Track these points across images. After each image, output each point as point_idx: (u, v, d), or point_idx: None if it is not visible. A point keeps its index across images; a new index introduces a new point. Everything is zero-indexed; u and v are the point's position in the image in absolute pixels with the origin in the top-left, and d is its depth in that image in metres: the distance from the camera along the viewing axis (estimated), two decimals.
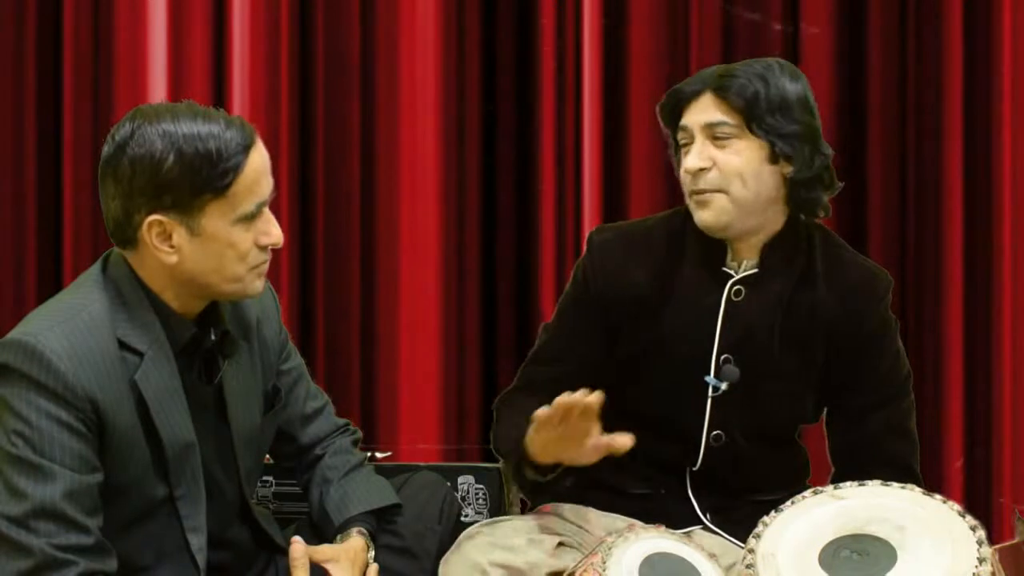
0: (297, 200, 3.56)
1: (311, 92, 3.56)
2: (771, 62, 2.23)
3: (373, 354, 3.57)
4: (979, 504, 3.39)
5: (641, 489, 2.28)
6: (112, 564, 1.97)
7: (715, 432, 2.27)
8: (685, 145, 2.23)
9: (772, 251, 2.24)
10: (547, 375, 2.31)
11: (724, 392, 2.24)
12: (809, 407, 2.32)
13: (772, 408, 2.27)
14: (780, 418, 2.30)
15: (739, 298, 2.25)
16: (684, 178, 2.23)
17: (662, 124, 2.30)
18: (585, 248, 2.36)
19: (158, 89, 3.54)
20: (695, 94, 2.21)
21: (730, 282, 2.25)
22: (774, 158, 2.19)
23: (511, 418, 2.25)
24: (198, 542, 2.08)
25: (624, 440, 2.05)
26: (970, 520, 1.96)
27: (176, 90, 3.54)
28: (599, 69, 3.49)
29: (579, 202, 3.52)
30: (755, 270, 2.25)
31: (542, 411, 2.04)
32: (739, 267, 2.26)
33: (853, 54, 3.48)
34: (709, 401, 2.26)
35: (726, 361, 2.24)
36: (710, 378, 2.24)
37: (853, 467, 2.22)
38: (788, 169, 2.20)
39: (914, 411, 2.34)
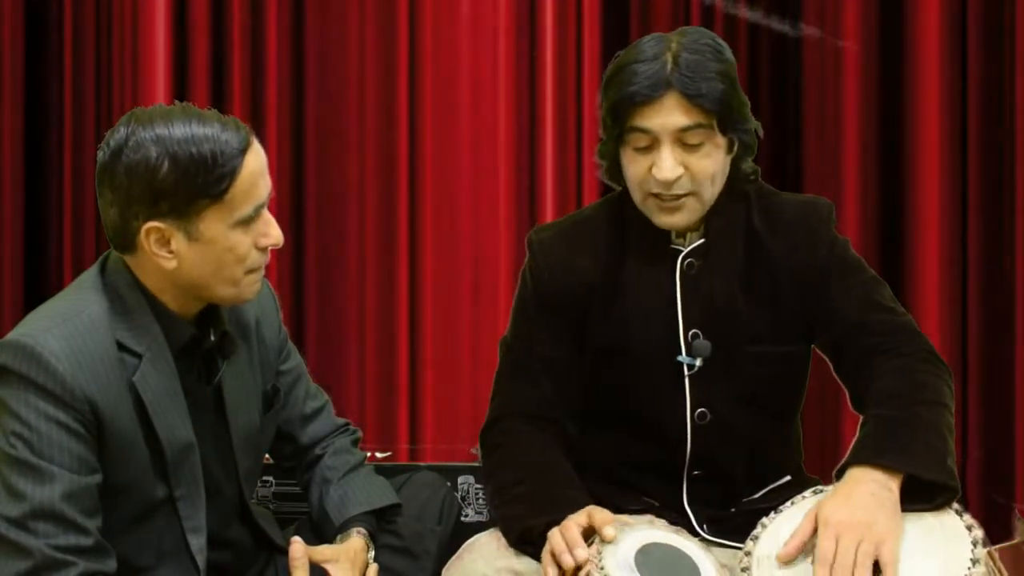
0: (293, 198, 3.58)
1: (329, 90, 3.58)
2: (711, 43, 2.16)
3: (381, 355, 3.59)
4: (979, 504, 3.40)
5: (637, 505, 2.23)
6: (111, 565, 1.97)
7: (699, 410, 2.23)
8: (645, 148, 2.15)
9: (714, 218, 2.23)
10: (526, 392, 2.28)
11: (701, 368, 2.21)
12: (794, 360, 2.27)
13: (754, 372, 2.23)
14: (765, 381, 2.25)
15: (693, 271, 2.23)
16: (645, 181, 2.16)
17: (606, 124, 2.19)
18: (527, 251, 2.33)
19: (162, 87, 3.55)
20: (656, 97, 2.12)
21: (681, 256, 2.23)
22: (730, 148, 2.19)
23: (516, 472, 2.20)
24: (198, 542, 2.08)
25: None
26: (967, 519, 1.95)
27: (179, 82, 3.56)
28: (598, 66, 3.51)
29: (580, 204, 3.53)
30: (702, 240, 2.23)
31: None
32: (685, 241, 2.24)
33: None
34: (687, 380, 2.22)
35: (695, 336, 2.22)
36: (682, 356, 2.22)
37: (873, 378, 2.15)
38: (734, 153, 2.21)
39: (885, 289, 2.25)
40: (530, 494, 2.15)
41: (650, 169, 2.14)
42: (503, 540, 2.15)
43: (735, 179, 2.23)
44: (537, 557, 2.06)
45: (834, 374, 2.27)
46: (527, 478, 2.18)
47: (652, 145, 2.14)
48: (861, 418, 2.13)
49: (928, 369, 2.15)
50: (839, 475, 2.01)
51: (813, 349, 2.30)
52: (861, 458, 1.99)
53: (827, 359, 2.28)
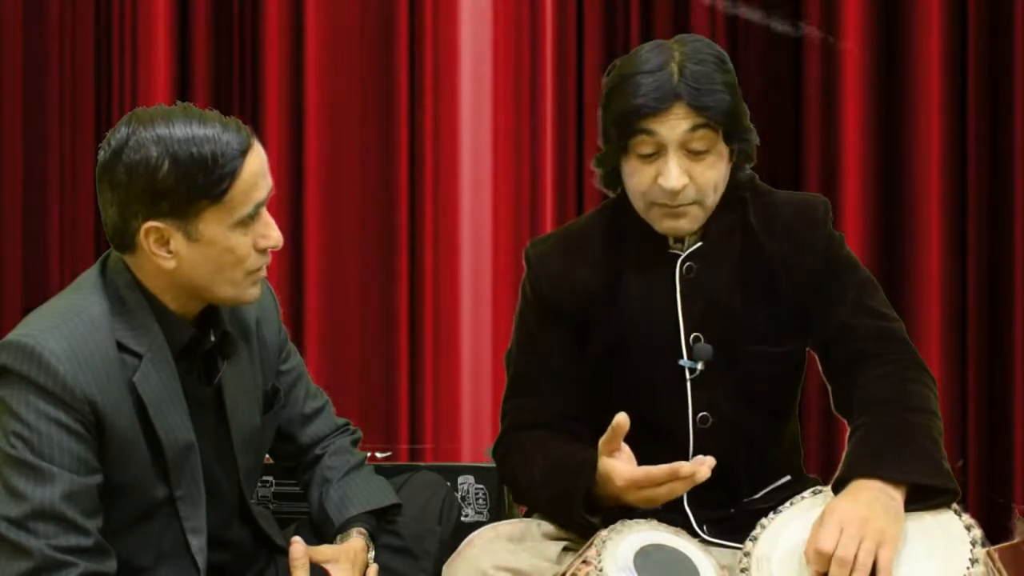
0: (293, 199, 3.58)
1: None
2: (713, 52, 2.18)
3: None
4: (979, 504, 3.39)
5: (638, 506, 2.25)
6: (112, 565, 1.97)
7: (701, 414, 2.24)
8: (650, 156, 2.16)
9: (711, 221, 2.24)
10: (533, 404, 2.30)
11: (702, 371, 2.23)
12: (792, 359, 2.28)
13: (754, 372, 2.25)
14: (765, 381, 2.26)
15: (691, 274, 2.24)
16: (650, 191, 2.16)
17: (608, 135, 2.19)
18: (525, 266, 2.34)
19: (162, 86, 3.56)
20: (663, 109, 2.12)
21: (679, 260, 2.24)
22: (731, 157, 2.21)
23: (534, 468, 2.23)
24: (198, 543, 2.08)
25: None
26: (966, 519, 1.96)
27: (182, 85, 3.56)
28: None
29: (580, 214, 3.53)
30: (700, 243, 2.25)
31: (655, 471, 2.05)
32: (683, 245, 2.25)
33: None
34: (688, 384, 2.24)
35: (695, 340, 2.23)
36: (684, 360, 2.23)
37: (859, 384, 2.17)
38: (733, 161, 2.22)
39: (879, 292, 2.27)
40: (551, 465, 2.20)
41: (655, 179, 2.15)
42: (502, 536, 2.16)
43: (732, 187, 2.24)
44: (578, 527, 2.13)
45: (820, 373, 2.28)
46: (545, 457, 2.22)
47: (658, 152, 2.15)
48: (851, 426, 2.14)
49: (915, 377, 2.17)
50: (837, 486, 2.02)
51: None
52: (860, 470, 2.01)
53: (816, 357, 2.29)
